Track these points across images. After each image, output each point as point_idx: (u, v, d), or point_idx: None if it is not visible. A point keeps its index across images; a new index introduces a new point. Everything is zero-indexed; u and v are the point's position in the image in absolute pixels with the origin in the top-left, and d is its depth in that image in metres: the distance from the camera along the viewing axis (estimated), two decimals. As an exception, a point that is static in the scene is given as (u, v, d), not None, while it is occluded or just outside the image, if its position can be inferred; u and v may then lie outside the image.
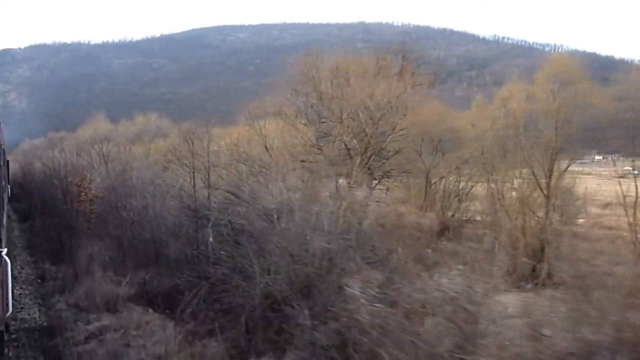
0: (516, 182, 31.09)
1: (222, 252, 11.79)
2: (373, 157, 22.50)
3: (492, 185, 32.27)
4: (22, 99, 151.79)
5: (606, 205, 32.40)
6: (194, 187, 16.88)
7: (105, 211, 20.93)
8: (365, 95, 22.09)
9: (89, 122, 62.89)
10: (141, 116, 63.11)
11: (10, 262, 7.35)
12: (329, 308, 8.91)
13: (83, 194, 22.98)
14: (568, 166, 30.24)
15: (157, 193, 17.87)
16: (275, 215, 11.34)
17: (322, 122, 23.17)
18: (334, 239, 10.18)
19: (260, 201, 11.86)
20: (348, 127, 22.03)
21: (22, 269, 19.02)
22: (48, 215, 26.06)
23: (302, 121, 23.33)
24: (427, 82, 28.41)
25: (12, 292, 7.72)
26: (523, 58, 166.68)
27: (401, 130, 24.07)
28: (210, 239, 12.64)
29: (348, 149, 21.89)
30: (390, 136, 23.63)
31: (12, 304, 7.42)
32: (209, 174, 17.34)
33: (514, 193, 31.17)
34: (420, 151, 31.47)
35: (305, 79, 24.01)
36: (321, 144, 22.67)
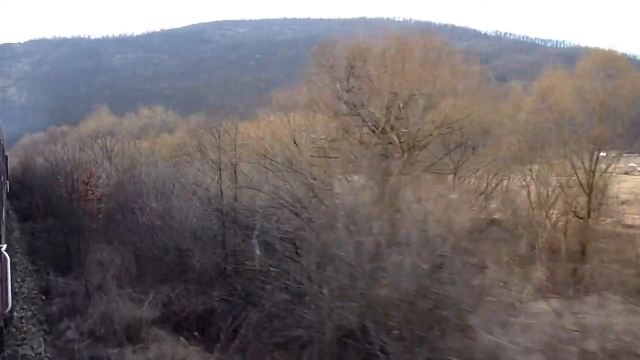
0: (555, 179, 28.90)
1: (272, 269, 9.39)
2: (415, 151, 20.17)
3: (526, 182, 30.05)
4: (22, 94, 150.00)
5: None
6: (220, 186, 14.67)
7: (113, 211, 18.97)
8: (421, 81, 19.79)
9: (92, 116, 60.50)
10: (146, 110, 60.87)
11: (10, 259, 7.47)
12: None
13: (90, 192, 21.02)
14: (612, 163, 28.16)
15: (181, 193, 15.56)
16: (340, 224, 8.98)
17: (355, 114, 20.86)
18: (425, 255, 7.90)
19: (318, 205, 9.51)
20: (397, 117, 19.73)
21: (24, 281, 16.51)
22: (51, 215, 24.32)
23: (341, 111, 21.05)
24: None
25: (12, 288, 7.86)
26: (526, 54, 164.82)
27: (450, 123, 21.70)
28: (258, 252, 10.15)
29: (389, 142, 19.61)
30: (439, 129, 21.28)
31: (12, 299, 7.65)
32: (235, 172, 15.15)
33: (549, 190, 28.99)
34: (449, 146, 29.20)
35: (341, 65, 21.72)
36: (363, 137, 20.31)
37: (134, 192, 17.19)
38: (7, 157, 21.68)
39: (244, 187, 14.04)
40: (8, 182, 24.21)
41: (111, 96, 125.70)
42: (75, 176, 20.95)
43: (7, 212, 24.48)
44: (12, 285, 7.57)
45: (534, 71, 60.34)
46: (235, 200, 14.27)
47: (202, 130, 25.17)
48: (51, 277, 16.52)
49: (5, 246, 7.57)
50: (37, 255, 20.43)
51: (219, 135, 16.56)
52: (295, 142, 19.51)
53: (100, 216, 20.65)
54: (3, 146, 15.85)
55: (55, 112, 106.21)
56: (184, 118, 56.10)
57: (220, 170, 15.04)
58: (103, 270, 13.73)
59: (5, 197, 17.02)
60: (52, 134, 58.47)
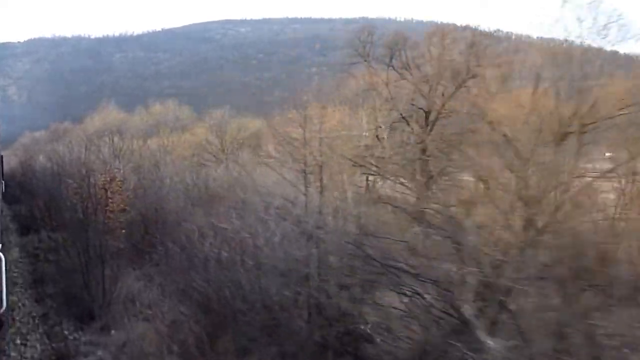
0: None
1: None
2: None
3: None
4: (22, 93, 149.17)
5: None
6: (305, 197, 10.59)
7: (140, 224, 15.16)
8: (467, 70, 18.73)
9: (97, 112, 56.77)
10: (157, 105, 57.23)
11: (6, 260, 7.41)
12: None
13: (111, 200, 16.75)
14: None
15: (259, 207, 10.90)
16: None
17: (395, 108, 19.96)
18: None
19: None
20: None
21: (26, 340, 11.46)
22: (59, 226, 20.19)
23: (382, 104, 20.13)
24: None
25: (7, 287, 7.66)
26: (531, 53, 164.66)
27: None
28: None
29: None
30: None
31: (6, 299, 7.53)
32: (322, 178, 11.21)
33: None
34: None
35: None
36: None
37: (157, 198, 14.87)
38: (1, 156, 20.27)
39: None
40: (3, 182, 22.49)
41: (112, 95, 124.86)
42: (92, 179, 16.66)
43: (3, 217, 23.87)
44: (6, 285, 7.45)
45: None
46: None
47: (277, 118, 21.73)
48: (65, 331, 11.81)
49: (0, 246, 7.53)
50: (44, 290, 15.29)
51: (304, 127, 12.50)
52: (377, 137, 17.86)
53: (123, 231, 16.85)
54: None
55: (56, 111, 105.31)
56: (200, 114, 53.31)
57: (305, 173, 11.63)
58: (143, 321, 9.41)
59: (0, 197, 15.40)
60: (54, 131, 55.02)
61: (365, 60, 22.67)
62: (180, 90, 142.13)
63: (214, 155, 19.99)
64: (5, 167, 42.03)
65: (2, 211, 24.75)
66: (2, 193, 22.72)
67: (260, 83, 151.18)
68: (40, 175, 28.99)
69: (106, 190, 16.45)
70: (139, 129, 44.07)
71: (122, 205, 16.81)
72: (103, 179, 17.04)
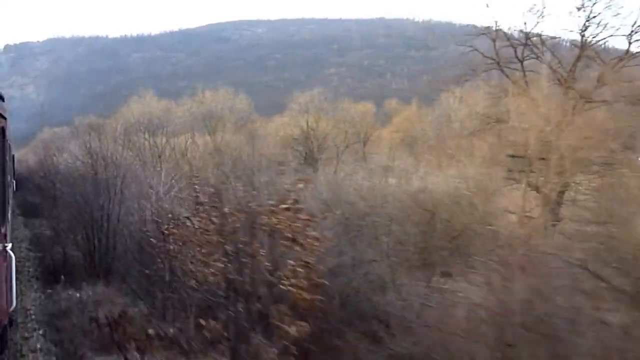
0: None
1: None
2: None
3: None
4: (40, 92, 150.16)
5: None
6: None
7: None
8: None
9: (133, 101, 49.42)
10: (208, 92, 50.54)
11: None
12: None
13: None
14: None
15: None
16: None
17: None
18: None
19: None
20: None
21: None
22: (117, 274, 14.30)
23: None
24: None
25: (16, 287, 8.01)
26: (549, 53, 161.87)
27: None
28: None
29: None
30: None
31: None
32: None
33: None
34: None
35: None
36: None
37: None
38: (13, 155, 19.41)
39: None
40: (14, 181, 21.20)
41: (128, 95, 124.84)
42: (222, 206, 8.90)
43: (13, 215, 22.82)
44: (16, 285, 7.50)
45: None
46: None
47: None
48: None
49: (10, 245, 7.59)
50: None
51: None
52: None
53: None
54: (10, 146, 13.74)
55: (74, 109, 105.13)
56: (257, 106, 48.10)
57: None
58: None
59: (11, 196, 14.62)
60: (79, 126, 48.91)
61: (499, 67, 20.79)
62: (197, 90, 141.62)
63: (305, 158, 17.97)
64: (23, 166, 40.17)
65: (14, 210, 24.07)
66: (14, 191, 22.05)
67: (279, 84, 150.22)
68: (67, 179, 22.48)
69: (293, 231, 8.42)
70: (183, 122, 38.95)
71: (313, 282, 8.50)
72: (276, 205, 8.66)
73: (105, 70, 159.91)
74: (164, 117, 37.40)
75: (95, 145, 19.90)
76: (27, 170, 36.07)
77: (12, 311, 7.74)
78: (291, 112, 46.50)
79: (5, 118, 7.80)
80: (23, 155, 48.95)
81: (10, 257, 7.35)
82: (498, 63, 21.85)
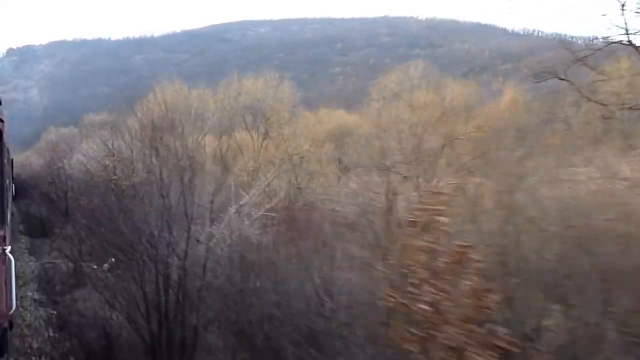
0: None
1: None
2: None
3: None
4: (44, 95, 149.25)
5: None
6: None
7: None
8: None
9: (156, 92, 44.01)
10: (247, 79, 43.75)
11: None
12: None
13: None
14: None
15: None
16: None
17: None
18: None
19: None
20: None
21: None
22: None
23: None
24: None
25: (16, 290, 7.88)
26: (559, 50, 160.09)
27: None
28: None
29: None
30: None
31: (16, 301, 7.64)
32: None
33: None
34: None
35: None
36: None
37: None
38: (12, 159, 18.43)
39: None
40: (13, 185, 20.36)
41: (134, 96, 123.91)
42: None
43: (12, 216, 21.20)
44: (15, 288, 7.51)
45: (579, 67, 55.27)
46: None
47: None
48: None
49: (9, 247, 7.70)
50: None
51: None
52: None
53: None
54: (8, 149, 13.01)
55: (78, 111, 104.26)
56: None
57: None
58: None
59: (10, 199, 13.75)
60: (89, 125, 38.73)
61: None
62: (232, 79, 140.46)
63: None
64: (26, 171, 38.37)
65: (13, 213, 22.50)
66: (13, 196, 21.02)
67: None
68: (86, 188, 18.23)
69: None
70: (224, 111, 33.94)
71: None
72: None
73: (109, 72, 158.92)
74: (201, 108, 31.32)
75: (118, 145, 16.55)
76: (32, 176, 31.70)
77: (12, 314, 7.81)
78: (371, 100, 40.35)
79: (2, 121, 7.64)
80: (26, 159, 46.94)
81: (10, 260, 7.40)
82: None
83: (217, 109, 36.26)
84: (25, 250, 20.95)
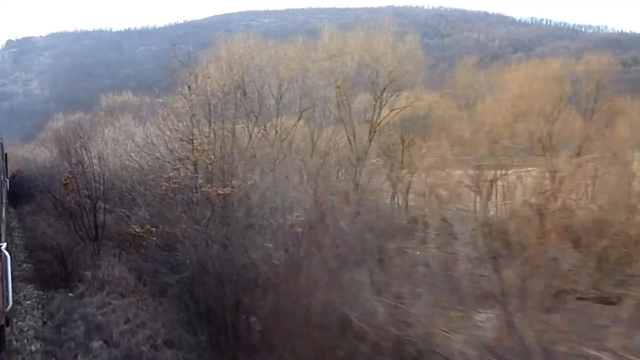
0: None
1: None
2: None
3: None
4: (44, 87, 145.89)
5: None
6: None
7: None
8: None
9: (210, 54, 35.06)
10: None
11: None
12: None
13: None
14: None
15: None
16: None
17: None
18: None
19: None
20: None
21: None
22: None
23: None
24: None
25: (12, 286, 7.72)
26: (568, 39, 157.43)
27: None
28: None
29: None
30: None
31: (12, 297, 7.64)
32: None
33: None
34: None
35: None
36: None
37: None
38: (6, 154, 16.28)
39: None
40: (7, 180, 18.40)
41: (137, 87, 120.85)
42: None
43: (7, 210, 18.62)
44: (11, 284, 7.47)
45: (581, 56, 51.73)
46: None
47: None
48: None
49: (5, 244, 7.65)
50: None
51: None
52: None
53: None
54: (2, 144, 12.54)
55: (80, 104, 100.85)
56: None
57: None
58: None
59: (5, 194, 13.32)
60: (107, 108, 31.91)
61: None
62: None
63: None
64: (30, 167, 35.08)
65: (7, 209, 19.20)
66: (7, 190, 19.06)
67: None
68: (126, 192, 13.57)
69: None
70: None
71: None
72: None
73: (111, 63, 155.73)
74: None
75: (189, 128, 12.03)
76: (36, 172, 25.23)
77: (9, 311, 7.81)
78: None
79: None
80: (29, 152, 42.69)
81: (6, 256, 7.39)
82: None
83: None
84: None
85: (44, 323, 10.61)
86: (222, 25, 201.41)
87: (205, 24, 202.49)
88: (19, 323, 10.46)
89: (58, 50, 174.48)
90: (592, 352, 4.50)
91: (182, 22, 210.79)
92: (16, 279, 12.51)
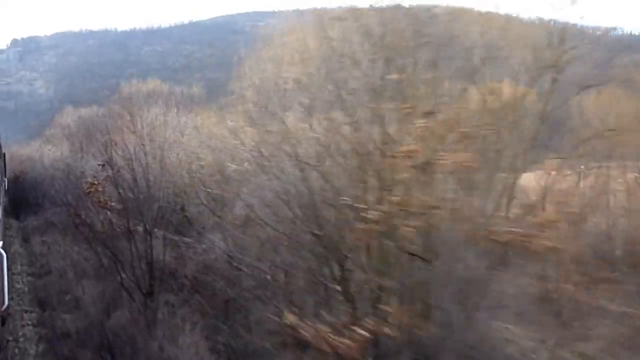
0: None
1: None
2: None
3: None
4: (49, 87, 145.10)
5: None
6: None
7: None
8: None
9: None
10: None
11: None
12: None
13: None
14: None
15: None
16: None
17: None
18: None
19: None
20: None
21: None
22: None
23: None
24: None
25: (8, 285, 7.35)
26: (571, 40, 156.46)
27: None
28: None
29: None
30: None
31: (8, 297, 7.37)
32: None
33: None
34: None
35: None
36: None
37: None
38: (4, 154, 15.97)
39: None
40: (6, 179, 18.00)
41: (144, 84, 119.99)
42: None
43: (4, 210, 17.39)
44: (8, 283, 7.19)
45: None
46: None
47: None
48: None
49: (0, 242, 8.15)
50: None
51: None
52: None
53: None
54: (0, 145, 12.88)
55: (85, 103, 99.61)
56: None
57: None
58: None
59: (2, 194, 13.24)
60: (127, 97, 24.10)
61: None
62: (214, 82, 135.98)
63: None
64: (35, 166, 33.44)
65: (4, 209, 17.33)
66: (5, 190, 19.30)
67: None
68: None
69: None
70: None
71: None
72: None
73: (116, 63, 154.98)
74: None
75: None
76: (45, 174, 21.51)
77: (5, 310, 7.62)
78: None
79: None
80: (35, 151, 40.67)
81: (1, 255, 7.38)
82: None
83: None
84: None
85: None
86: (228, 26, 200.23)
87: (210, 25, 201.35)
88: None
89: (63, 50, 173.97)
90: None
91: (187, 22, 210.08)
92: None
